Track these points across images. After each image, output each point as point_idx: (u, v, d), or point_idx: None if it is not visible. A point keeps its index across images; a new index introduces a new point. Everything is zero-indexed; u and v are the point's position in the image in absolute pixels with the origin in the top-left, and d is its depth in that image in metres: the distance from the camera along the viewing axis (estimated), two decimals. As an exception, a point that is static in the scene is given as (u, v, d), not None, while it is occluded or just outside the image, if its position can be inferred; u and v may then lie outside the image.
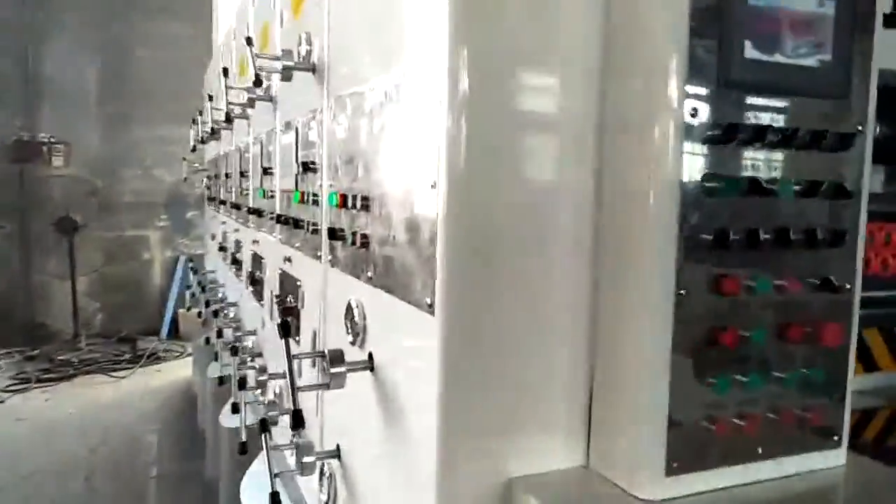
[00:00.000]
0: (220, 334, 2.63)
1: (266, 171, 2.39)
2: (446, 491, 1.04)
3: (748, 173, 1.03)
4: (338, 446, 1.53)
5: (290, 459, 1.66)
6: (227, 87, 2.51)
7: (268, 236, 2.34)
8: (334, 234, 1.49)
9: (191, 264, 5.06)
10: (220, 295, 3.47)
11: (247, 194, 2.85)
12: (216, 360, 2.80)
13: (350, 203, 1.41)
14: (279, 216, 2.07)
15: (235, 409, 1.99)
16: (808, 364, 1.10)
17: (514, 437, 1.09)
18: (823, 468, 1.13)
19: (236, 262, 3.10)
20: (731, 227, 1.01)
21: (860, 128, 1.09)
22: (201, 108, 4.07)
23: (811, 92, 1.06)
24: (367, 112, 1.31)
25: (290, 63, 1.70)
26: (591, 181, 1.09)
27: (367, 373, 1.30)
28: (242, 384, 1.92)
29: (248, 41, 1.88)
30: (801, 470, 1.11)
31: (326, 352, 1.28)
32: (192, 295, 4.13)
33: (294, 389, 1.23)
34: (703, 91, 0.98)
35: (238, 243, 3.17)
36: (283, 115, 2.12)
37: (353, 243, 1.38)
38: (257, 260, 2.55)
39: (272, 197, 2.27)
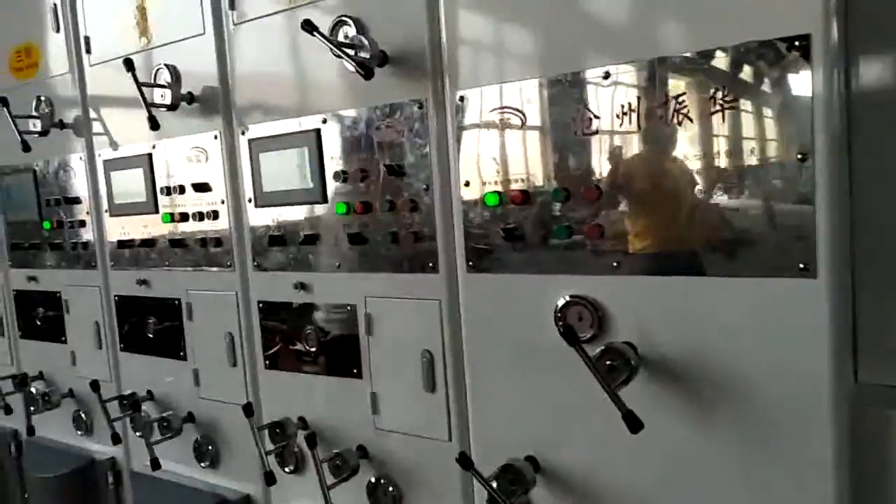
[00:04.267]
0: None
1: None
2: (839, 442, 1.12)
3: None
4: (532, 458, 1.41)
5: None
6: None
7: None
8: (511, 234, 1.37)
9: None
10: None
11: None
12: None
13: (550, 197, 1.32)
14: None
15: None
16: None
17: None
18: None
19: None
20: None
21: None
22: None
23: None
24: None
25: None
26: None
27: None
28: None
29: None
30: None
31: (615, 344, 1.22)
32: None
33: (611, 390, 1.14)
34: None
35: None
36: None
37: (569, 236, 1.30)
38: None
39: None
